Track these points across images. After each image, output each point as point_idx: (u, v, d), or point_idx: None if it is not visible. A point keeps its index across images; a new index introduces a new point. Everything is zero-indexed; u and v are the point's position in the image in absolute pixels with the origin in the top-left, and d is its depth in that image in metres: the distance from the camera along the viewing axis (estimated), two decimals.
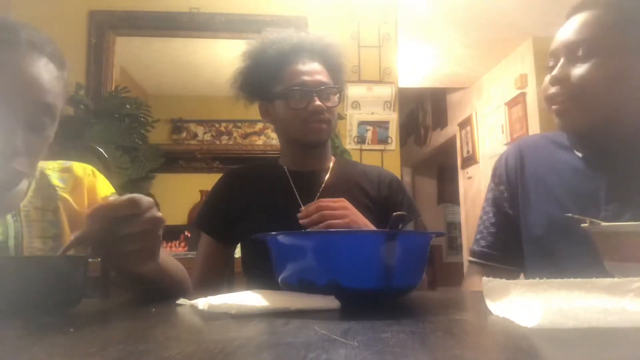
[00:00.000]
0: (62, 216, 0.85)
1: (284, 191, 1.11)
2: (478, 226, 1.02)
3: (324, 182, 1.13)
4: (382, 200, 1.14)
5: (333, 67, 1.15)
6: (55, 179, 0.87)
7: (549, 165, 0.93)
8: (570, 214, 0.72)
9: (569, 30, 0.86)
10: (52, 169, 0.89)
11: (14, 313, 0.51)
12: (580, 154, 0.90)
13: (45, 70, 0.73)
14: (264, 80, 1.12)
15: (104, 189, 0.92)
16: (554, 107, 0.86)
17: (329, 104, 1.09)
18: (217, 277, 1.14)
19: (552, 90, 0.85)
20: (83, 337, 0.43)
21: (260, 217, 1.08)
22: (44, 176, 0.87)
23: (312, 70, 1.10)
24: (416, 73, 4.62)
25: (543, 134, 1.05)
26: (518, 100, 4.05)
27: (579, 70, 0.82)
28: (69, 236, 0.84)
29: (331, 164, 1.18)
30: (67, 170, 0.90)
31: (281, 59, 1.10)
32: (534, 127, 3.83)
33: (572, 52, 0.83)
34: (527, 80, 3.95)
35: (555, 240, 0.87)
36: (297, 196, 1.10)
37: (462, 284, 1.03)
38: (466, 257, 5.35)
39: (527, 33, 3.81)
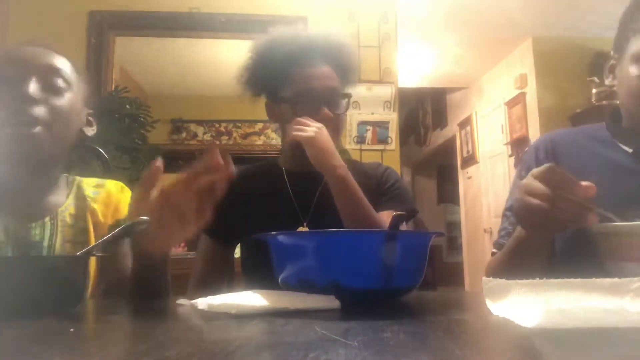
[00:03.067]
0: (90, 224, 0.91)
1: (281, 193, 1.11)
2: (502, 222, 0.98)
3: (322, 184, 1.12)
4: (378, 195, 1.13)
5: (343, 68, 1.12)
6: (88, 191, 0.95)
7: (588, 161, 0.88)
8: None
9: None
10: (87, 183, 0.97)
11: (14, 313, 0.51)
12: (630, 149, 0.85)
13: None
14: (272, 80, 1.09)
15: (126, 205, 0.98)
16: None
17: (337, 112, 1.06)
18: (217, 277, 1.14)
19: None
20: (83, 337, 0.43)
21: (257, 218, 1.08)
22: (80, 188, 0.95)
23: (321, 74, 1.06)
24: (416, 73, 4.62)
25: (578, 128, 0.99)
26: (518, 100, 4.05)
27: None
28: (93, 243, 0.89)
29: None
30: (100, 186, 0.97)
31: (290, 61, 1.06)
32: (534, 127, 3.83)
33: None
34: (527, 80, 3.96)
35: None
36: (293, 198, 1.09)
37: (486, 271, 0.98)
38: (466, 257, 5.37)
39: (527, 33, 3.81)
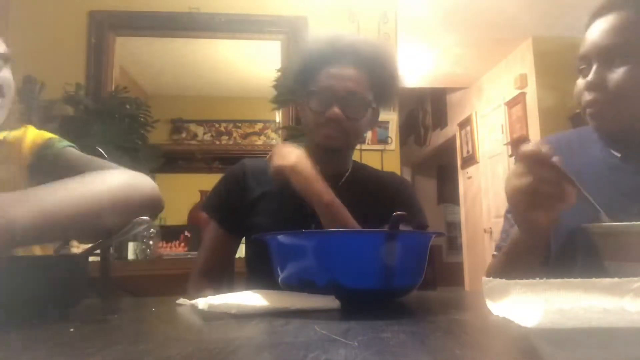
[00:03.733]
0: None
1: (294, 191, 1.10)
2: (503, 224, 0.99)
3: (338, 187, 1.11)
4: (391, 207, 1.12)
5: (376, 77, 1.08)
6: None
7: (583, 161, 0.90)
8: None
9: (599, 33, 0.83)
10: None
11: (14, 313, 0.51)
12: (617, 154, 0.88)
13: None
14: (305, 75, 1.09)
15: (33, 138, 0.92)
16: (588, 110, 0.84)
17: (350, 115, 1.03)
18: (220, 267, 1.13)
19: (588, 96, 0.83)
20: (83, 337, 0.43)
21: (267, 212, 1.08)
22: None
23: (345, 75, 1.03)
24: (416, 73, 4.62)
25: (573, 131, 1.02)
26: (518, 100, 4.05)
27: (615, 75, 0.80)
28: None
29: (349, 169, 1.15)
30: (2, 143, 0.91)
31: (323, 59, 1.06)
32: (534, 127, 3.83)
33: (605, 56, 0.82)
34: (527, 80, 3.96)
35: (587, 238, 0.85)
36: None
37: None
38: (466, 257, 5.36)
39: (527, 33, 3.81)
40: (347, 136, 1.06)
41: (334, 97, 1.02)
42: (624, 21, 0.81)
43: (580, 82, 0.87)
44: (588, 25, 0.87)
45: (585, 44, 0.86)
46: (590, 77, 0.83)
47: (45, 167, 0.88)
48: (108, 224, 0.72)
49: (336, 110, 1.01)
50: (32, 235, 0.62)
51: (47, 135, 0.94)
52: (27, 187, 0.83)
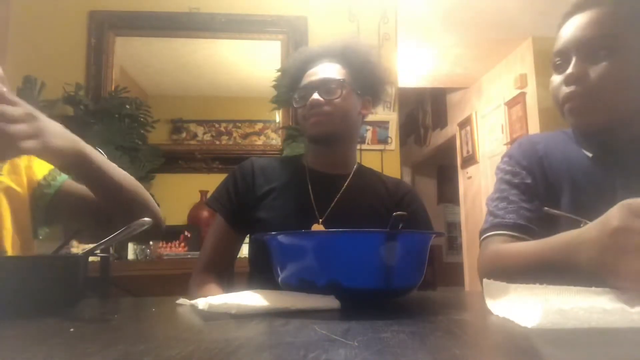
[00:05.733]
0: (2, 201, 0.88)
1: (300, 188, 1.11)
2: (497, 203, 0.93)
3: (343, 188, 1.12)
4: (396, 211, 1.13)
5: (356, 67, 1.13)
6: None
7: (562, 159, 0.91)
8: (546, 208, 0.73)
9: (579, 27, 0.83)
10: None
11: (14, 313, 0.51)
12: (589, 154, 0.88)
13: None
14: (292, 84, 1.18)
15: (41, 167, 0.97)
16: (567, 105, 0.83)
17: (329, 97, 1.08)
18: (224, 263, 1.14)
19: (568, 89, 0.83)
20: (83, 337, 0.43)
21: (272, 207, 1.09)
22: None
23: (322, 69, 1.12)
24: (416, 73, 4.62)
25: (560, 131, 1.02)
26: (518, 100, 4.05)
27: (597, 68, 0.80)
28: (9, 222, 0.87)
29: (353, 171, 1.17)
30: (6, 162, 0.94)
31: (304, 67, 1.15)
32: (534, 127, 3.83)
33: (586, 50, 0.81)
34: (527, 80, 3.95)
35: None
36: (311, 196, 1.10)
37: (481, 261, 0.86)
38: (466, 257, 5.36)
39: (527, 33, 3.81)
40: (332, 118, 1.09)
41: (312, 88, 1.10)
42: (604, 15, 0.81)
43: (556, 77, 0.87)
44: (562, 23, 0.88)
45: (562, 39, 0.86)
46: (570, 69, 0.82)
47: (47, 195, 0.95)
48: (133, 206, 0.88)
49: (315, 95, 1.08)
50: (70, 163, 0.80)
51: (50, 165, 0.98)
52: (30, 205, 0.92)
